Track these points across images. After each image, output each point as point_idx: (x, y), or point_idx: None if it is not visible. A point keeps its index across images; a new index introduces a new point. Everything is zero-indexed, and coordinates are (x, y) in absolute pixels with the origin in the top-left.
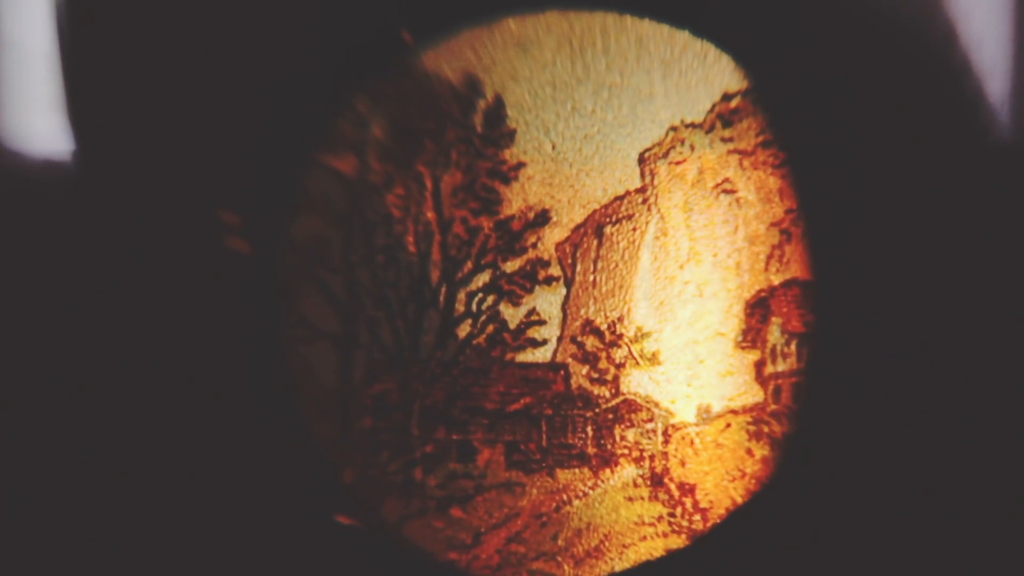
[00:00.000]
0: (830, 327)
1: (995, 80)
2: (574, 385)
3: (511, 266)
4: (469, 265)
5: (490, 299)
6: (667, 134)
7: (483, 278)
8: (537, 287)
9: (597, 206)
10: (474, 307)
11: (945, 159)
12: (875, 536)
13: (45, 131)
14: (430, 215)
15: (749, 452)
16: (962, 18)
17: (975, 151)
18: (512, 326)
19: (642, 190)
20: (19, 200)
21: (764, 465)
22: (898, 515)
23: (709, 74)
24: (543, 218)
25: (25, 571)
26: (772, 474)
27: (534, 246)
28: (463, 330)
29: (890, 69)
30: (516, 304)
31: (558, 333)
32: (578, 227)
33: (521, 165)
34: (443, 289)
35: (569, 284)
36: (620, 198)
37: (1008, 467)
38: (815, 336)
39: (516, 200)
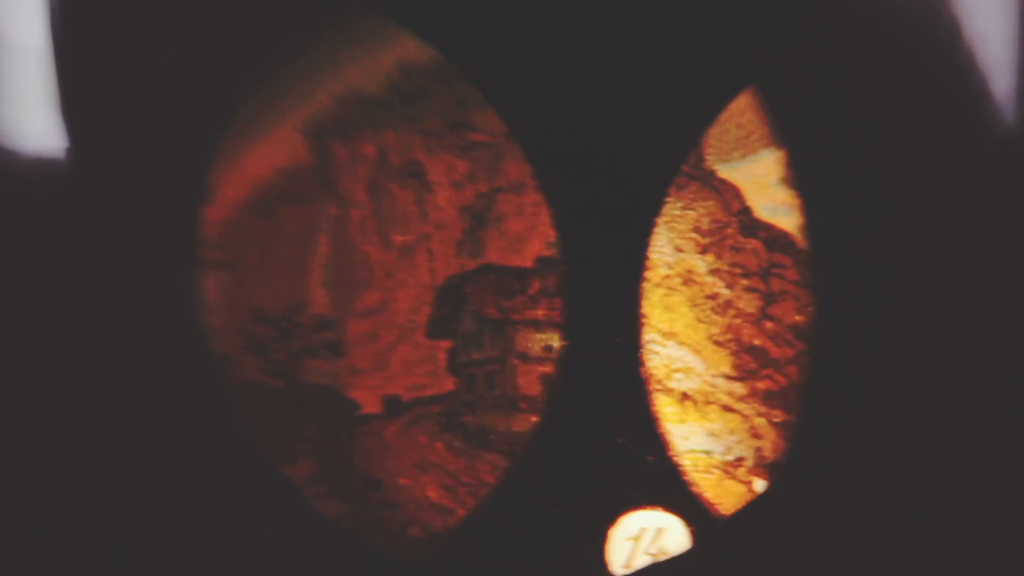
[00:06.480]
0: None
1: (1000, 76)
2: (243, 378)
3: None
4: None
5: None
6: (338, 107)
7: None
8: (193, 271)
9: (263, 183)
10: None
11: (949, 155)
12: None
13: (39, 128)
14: None
15: (442, 444)
16: (967, 14)
17: (979, 147)
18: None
19: (318, 169)
20: (12, 198)
21: (458, 457)
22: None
23: (383, 47)
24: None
25: None
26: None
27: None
28: None
29: (892, 64)
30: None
31: (221, 323)
32: (241, 205)
33: None
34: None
35: (233, 268)
36: (291, 175)
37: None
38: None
39: None
